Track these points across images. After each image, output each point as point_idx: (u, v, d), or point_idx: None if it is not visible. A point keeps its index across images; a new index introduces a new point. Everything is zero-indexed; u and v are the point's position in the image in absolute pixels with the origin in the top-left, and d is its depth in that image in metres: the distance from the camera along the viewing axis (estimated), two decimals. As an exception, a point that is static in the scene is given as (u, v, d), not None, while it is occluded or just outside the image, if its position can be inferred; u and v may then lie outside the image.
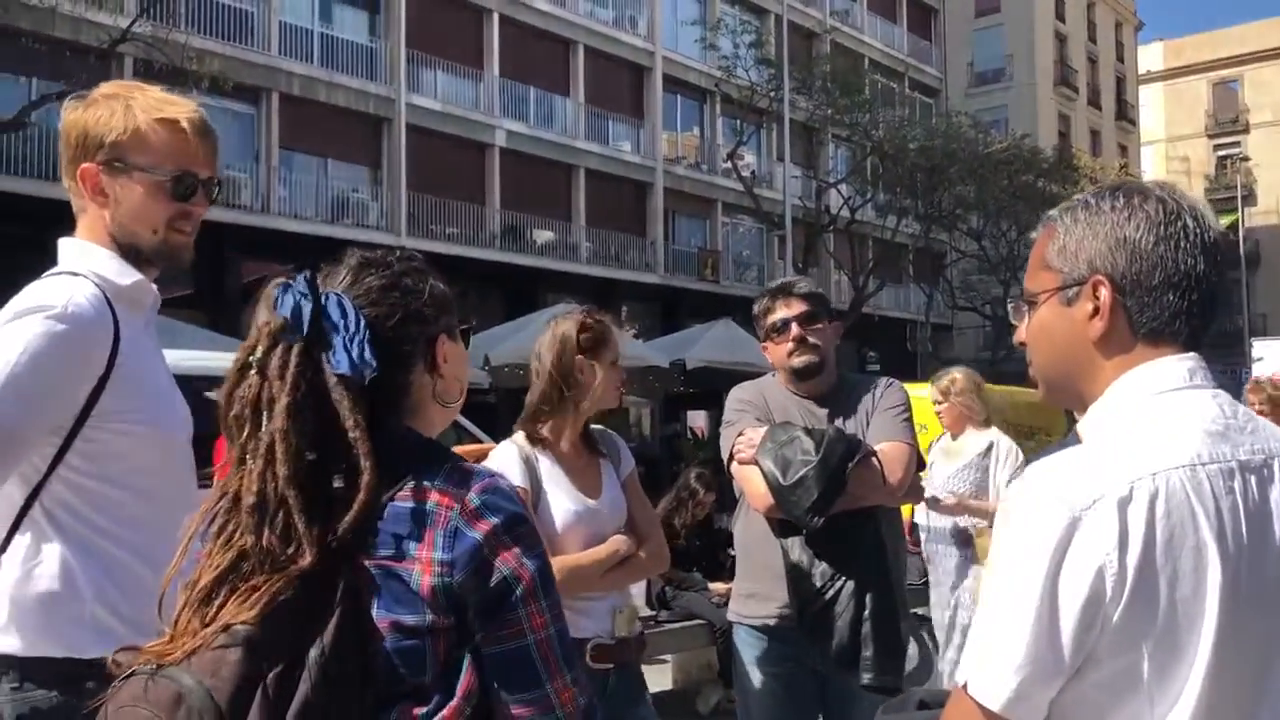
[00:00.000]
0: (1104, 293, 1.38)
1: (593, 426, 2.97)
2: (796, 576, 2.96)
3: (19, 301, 1.87)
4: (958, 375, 5.97)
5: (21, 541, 1.89)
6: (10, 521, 1.88)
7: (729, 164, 28.90)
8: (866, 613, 2.91)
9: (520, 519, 1.42)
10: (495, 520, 1.39)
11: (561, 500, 2.78)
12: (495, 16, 26.31)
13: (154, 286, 2.05)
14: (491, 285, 23.59)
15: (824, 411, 3.16)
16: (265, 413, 1.39)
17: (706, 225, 32.03)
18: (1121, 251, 1.38)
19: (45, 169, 18.14)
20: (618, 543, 2.81)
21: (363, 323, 1.43)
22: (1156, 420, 1.33)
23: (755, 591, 3.15)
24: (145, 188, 1.97)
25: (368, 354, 1.41)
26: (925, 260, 32.74)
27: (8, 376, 1.79)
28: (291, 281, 1.44)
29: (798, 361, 3.14)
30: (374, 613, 1.35)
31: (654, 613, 6.77)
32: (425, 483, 1.40)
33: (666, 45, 30.47)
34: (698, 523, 6.78)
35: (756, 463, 2.94)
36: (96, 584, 1.88)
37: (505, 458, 2.81)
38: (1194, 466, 1.28)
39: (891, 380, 3.28)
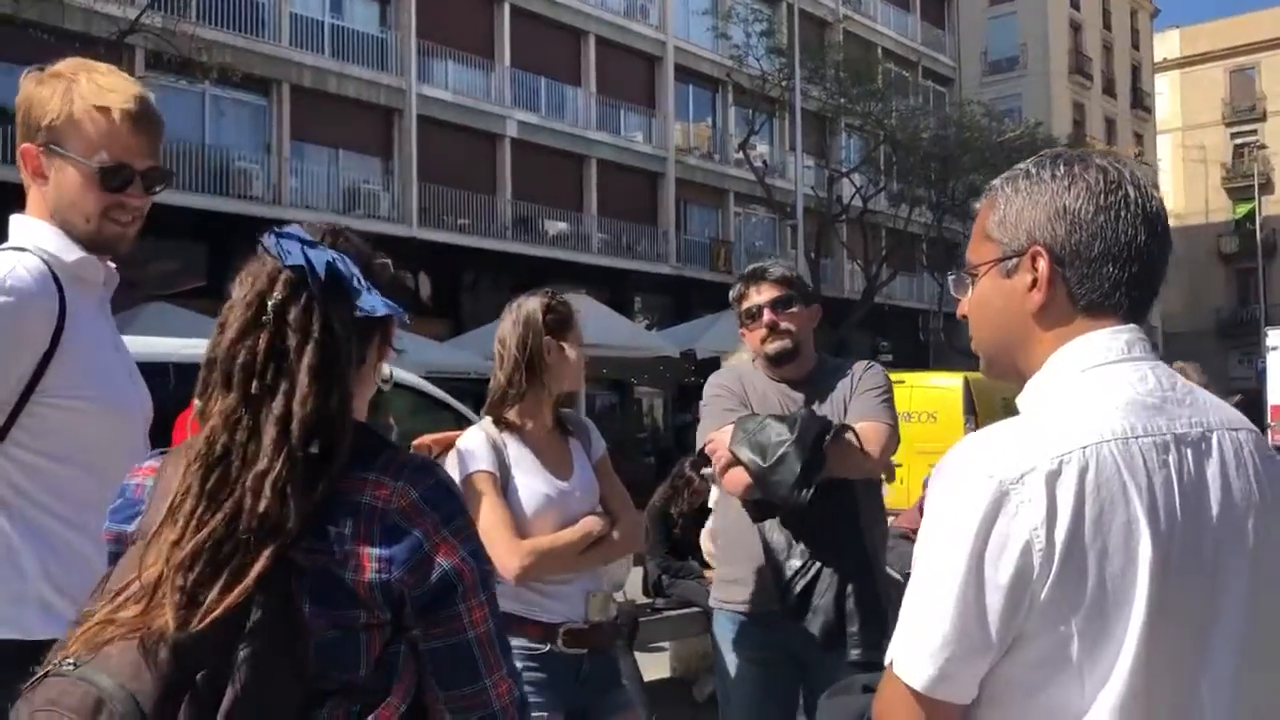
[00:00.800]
0: (1042, 264, 1.35)
1: (563, 410, 2.95)
2: (775, 559, 2.95)
3: None
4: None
5: None
6: None
7: (741, 154, 28.79)
8: (850, 589, 2.90)
9: (459, 510, 1.39)
10: (435, 516, 1.35)
11: (531, 483, 2.76)
12: (506, 6, 26.26)
13: (108, 266, 2.02)
14: (503, 276, 23.57)
15: (800, 395, 3.14)
16: (275, 366, 1.33)
17: (719, 215, 31.94)
18: (1061, 221, 1.35)
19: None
20: (590, 524, 2.79)
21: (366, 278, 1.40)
22: (1091, 393, 1.30)
23: (735, 577, 3.14)
24: (78, 175, 1.93)
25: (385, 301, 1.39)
26: (938, 250, 32.55)
27: None
28: (285, 231, 1.39)
29: (771, 348, 3.13)
30: (305, 608, 1.30)
31: (650, 600, 6.76)
32: (363, 472, 1.35)
33: (678, 34, 30.36)
34: (694, 510, 6.77)
35: (733, 454, 2.92)
36: (42, 562, 1.85)
37: (473, 442, 2.79)
38: (1126, 440, 1.25)
39: (871, 363, 3.26)
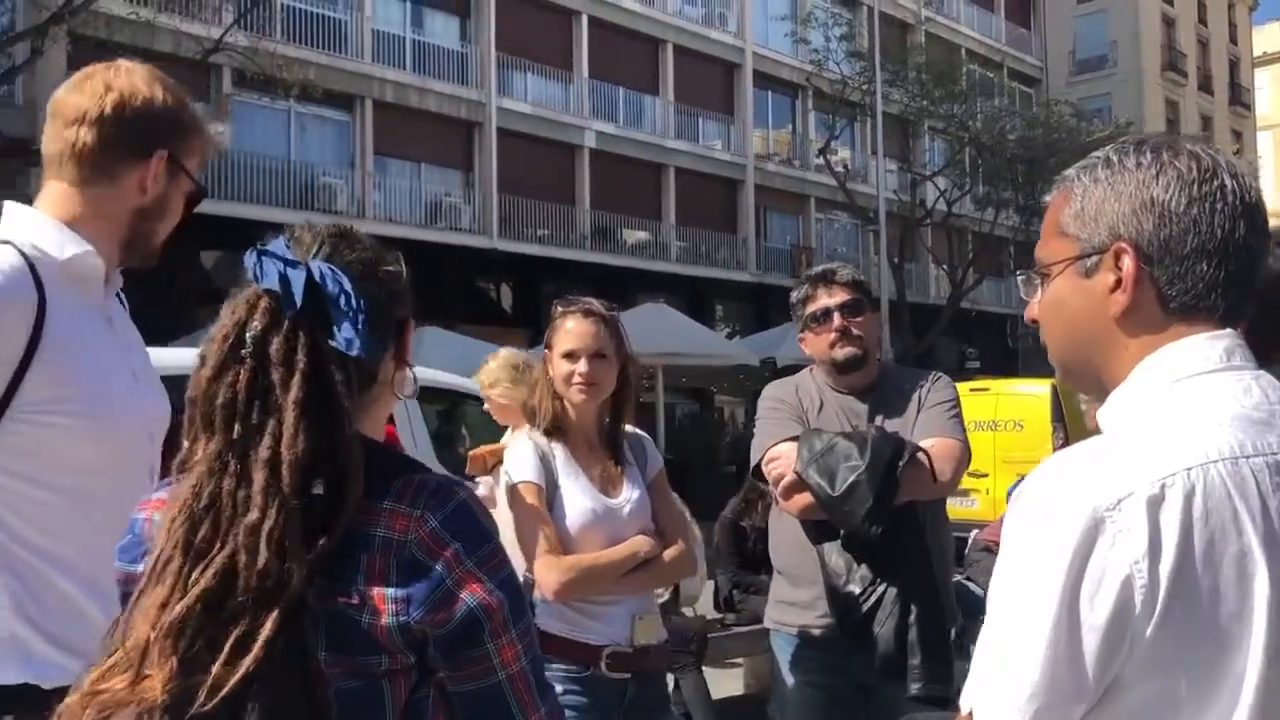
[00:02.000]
0: (1127, 262, 1.20)
1: (628, 429, 2.86)
2: (834, 583, 2.80)
3: None
4: None
5: None
6: None
7: (821, 159, 28.49)
8: (912, 618, 2.73)
9: (485, 537, 1.26)
10: (457, 546, 1.23)
11: (578, 497, 2.67)
12: (584, 18, 26.36)
13: (103, 264, 1.83)
14: (582, 286, 23.58)
15: (864, 407, 2.99)
16: (259, 404, 1.20)
17: (799, 222, 31.64)
18: (1148, 214, 1.20)
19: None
20: (638, 543, 2.68)
21: (359, 298, 1.25)
22: (1189, 407, 1.14)
23: (792, 598, 3.00)
24: (181, 194, 1.89)
25: (369, 331, 1.24)
26: (1026, 253, 31.78)
27: None
28: (266, 247, 1.25)
29: (840, 354, 2.97)
30: (320, 655, 1.19)
31: (721, 616, 6.62)
32: (378, 500, 1.22)
33: (757, 41, 30.19)
34: (767, 524, 6.59)
35: (798, 476, 2.77)
36: (15, 598, 1.66)
37: (519, 452, 2.71)
38: (1236, 460, 1.09)
39: (939, 374, 3.09)
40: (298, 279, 1.23)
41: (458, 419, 8.66)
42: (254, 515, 1.17)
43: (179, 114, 1.85)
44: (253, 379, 1.21)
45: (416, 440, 6.99)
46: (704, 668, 5.89)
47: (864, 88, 27.67)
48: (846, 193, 28.15)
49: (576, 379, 2.69)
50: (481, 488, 4.34)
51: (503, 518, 2.80)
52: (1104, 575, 1.05)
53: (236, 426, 1.20)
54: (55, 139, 1.80)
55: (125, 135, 1.79)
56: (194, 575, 1.18)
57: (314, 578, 1.18)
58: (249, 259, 1.25)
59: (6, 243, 1.72)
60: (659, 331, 18.80)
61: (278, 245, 1.27)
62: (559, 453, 2.72)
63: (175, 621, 1.16)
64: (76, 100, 1.79)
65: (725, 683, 6.69)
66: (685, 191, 28.03)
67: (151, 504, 1.35)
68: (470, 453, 3.39)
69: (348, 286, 1.25)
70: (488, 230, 23.99)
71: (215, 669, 1.14)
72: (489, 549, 1.27)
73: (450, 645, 1.23)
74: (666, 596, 6.24)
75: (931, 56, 29.82)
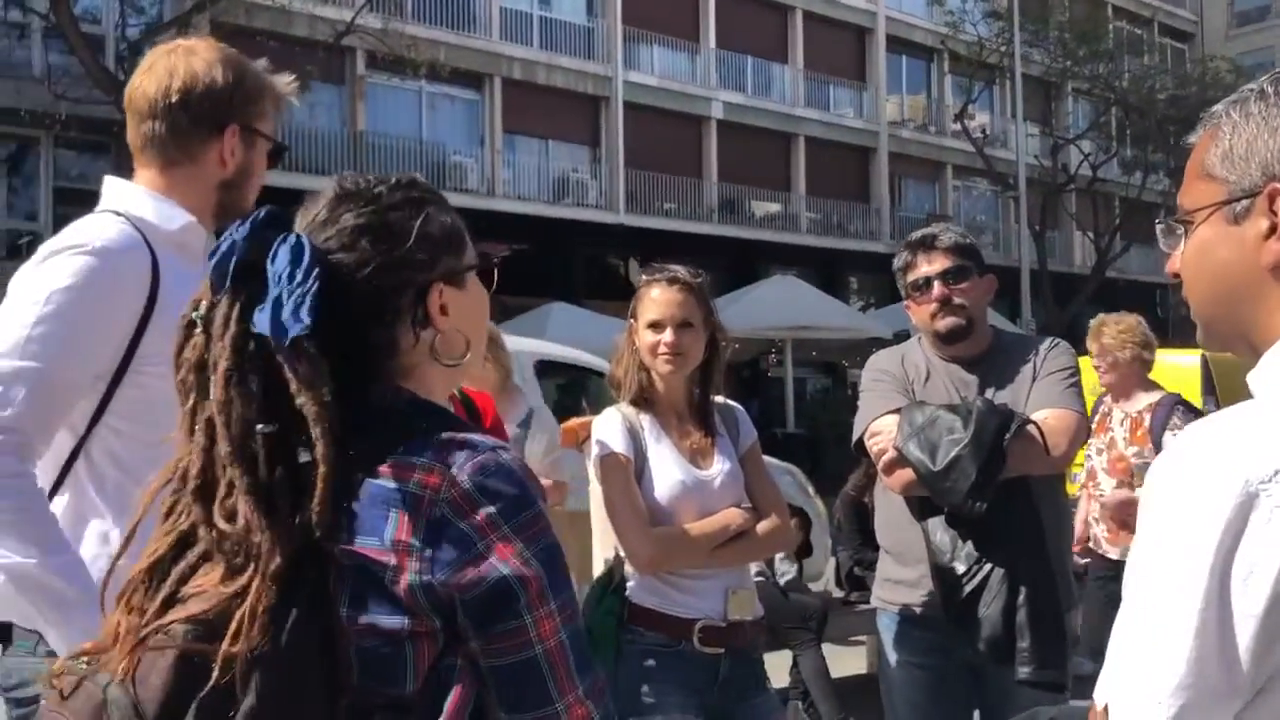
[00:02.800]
0: None
1: (717, 399, 2.75)
2: (938, 560, 2.65)
3: (50, 243, 1.83)
4: None
5: (61, 502, 1.81)
6: (54, 478, 1.81)
7: (958, 124, 27.66)
8: (1021, 598, 2.57)
9: (524, 503, 1.21)
10: (491, 508, 1.18)
11: (668, 469, 2.60)
12: (712, -13, 26.11)
13: (204, 231, 1.99)
14: (711, 259, 23.49)
15: (974, 378, 2.82)
16: (211, 377, 1.22)
17: (935, 189, 30.84)
18: None
19: (286, 161, 19.25)
20: (730, 516, 2.60)
21: (315, 272, 1.20)
22: None
23: (896, 576, 2.87)
24: (262, 153, 2.02)
25: (304, 310, 1.18)
26: (1178, 218, 30.30)
27: (38, 318, 1.73)
28: (254, 217, 1.25)
29: (942, 325, 2.81)
30: (343, 611, 1.17)
31: (845, 593, 6.46)
32: (410, 457, 1.20)
33: (889, 4, 29.42)
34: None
35: (898, 452, 2.63)
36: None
37: (608, 424, 2.64)
38: None
39: (1056, 340, 2.90)
40: (232, 256, 1.23)
41: (579, 393, 8.67)
42: (191, 485, 1.21)
43: (242, 85, 1.95)
44: (201, 356, 1.23)
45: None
46: (827, 645, 5.75)
47: (1002, 49, 26.76)
48: (985, 159, 27.30)
49: (662, 349, 2.62)
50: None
51: (592, 491, 2.73)
52: (1260, 556, 0.94)
53: (191, 399, 1.23)
54: (134, 131, 1.96)
55: (195, 119, 1.93)
56: (156, 543, 1.24)
57: (341, 526, 1.17)
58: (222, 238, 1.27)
59: (114, 212, 1.87)
60: (788, 305, 18.59)
61: (249, 221, 1.25)
62: (647, 424, 2.65)
63: (137, 582, 1.21)
64: (145, 91, 1.93)
65: (848, 660, 6.53)
66: (815, 161, 27.57)
67: None
68: (562, 425, 3.34)
69: (304, 260, 1.21)
70: (614, 205, 24.05)
71: (174, 606, 1.18)
72: (528, 515, 1.21)
73: (482, 615, 1.18)
74: (793, 573, 6.11)
75: (1075, 14, 28.59)
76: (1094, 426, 4.83)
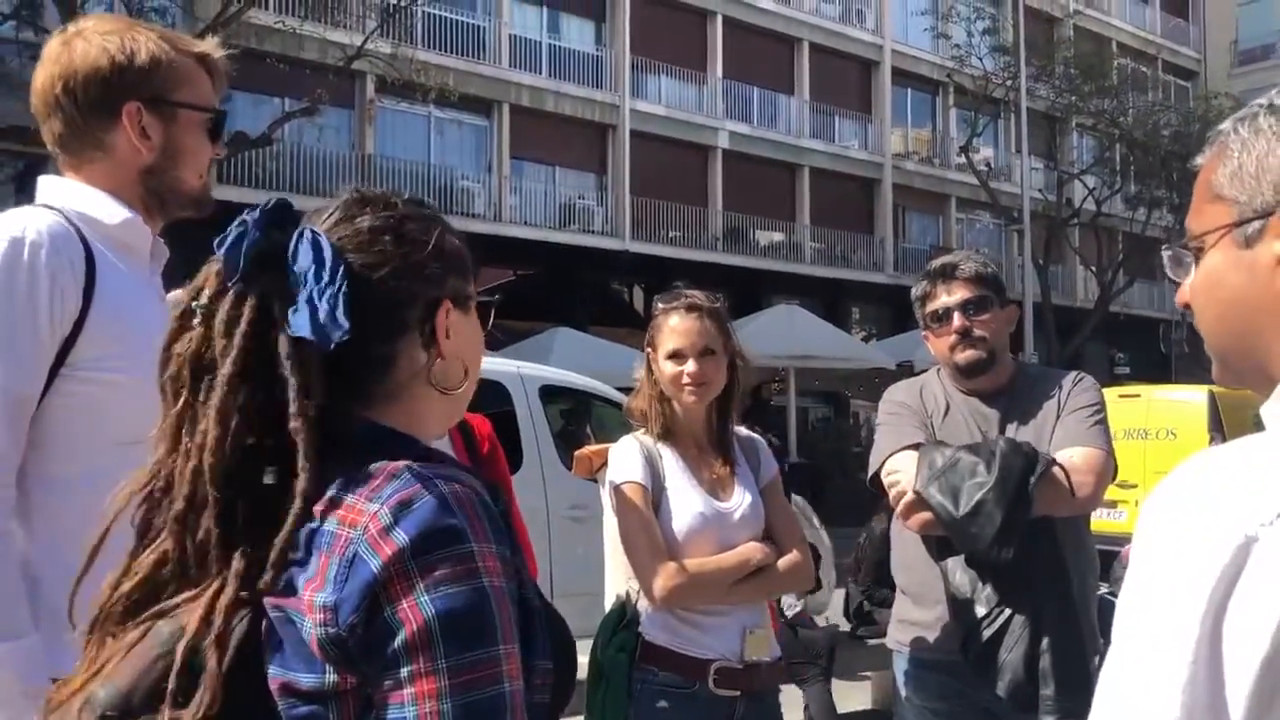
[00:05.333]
0: None
1: (739, 430, 2.70)
2: (957, 602, 2.57)
3: None
4: None
5: None
6: None
7: (963, 157, 27.71)
8: (1044, 644, 2.48)
9: (450, 538, 1.03)
10: (403, 540, 1.02)
11: (687, 500, 2.52)
12: (719, 18, 26.22)
13: (155, 237, 1.83)
14: (714, 287, 23.44)
15: (995, 413, 2.73)
16: (208, 378, 1.10)
17: (939, 222, 30.85)
18: None
19: (293, 183, 19.35)
20: (750, 551, 2.52)
21: (341, 270, 1.11)
22: None
23: (912, 618, 2.78)
24: (193, 127, 1.81)
25: (340, 312, 1.08)
26: (1182, 253, 30.28)
27: None
28: (258, 208, 1.15)
29: (962, 358, 2.72)
30: (269, 669, 1.05)
31: (852, 626, 6.42)
32: (343, 492, 1.07)
33: (896, 37, 29.55)
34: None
35: (918, 496, 2.54)
36: (64, 579, 1.65)
37: (625, 452, 2.57)
38: None
39: (1081, 375, 2.80)
40: (248, 244, 1.11)
41: (584, 419, 8.63)
42: (179, 505, 1.08)
43: (135, 58, 1.76)
44: (198, 351, 1.12)
45: (539, 439, 6.98)
46: (833, 680, 5.70)
47: (1008, 83, 26.84)
48: (989, 192, 27.32)
49: (686, 380, 2.54)
50: None
51: (606, 521, 2.69)
52: (1256, 607, 0.84)
53: (181, 401, 1.12)
54: (45, 135, 1.81)
55: (87, 106, 1.75)
56: (139, 559, 1.12)
57: (267, 577, 1.05)
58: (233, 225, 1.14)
59: (50, 208, 1.71)
60: (791, 333, 18.59)
61: (260, 210, 1.14)
62: (666, 453, 2.58)
63: (116, 607, 1.10)
64: (35, 90, 1.78)
65: (854, 696, 6.48)
66: (820, 192, 27.60)
67: None
68: (575, 453, 3.29)
69: (327, 256, 1.11)
70: (620, 232, 24.06)
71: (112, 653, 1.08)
72: (447, 552, 1.02)
73: (366, 658, 1.02)
74: (800, 607, 6.06)
75: (1080, 50, 28.74)
76: None
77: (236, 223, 1.13)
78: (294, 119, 17.25)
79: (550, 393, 7.77)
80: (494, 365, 6.74)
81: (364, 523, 1.04)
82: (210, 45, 1.86)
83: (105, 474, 1.57)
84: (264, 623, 1.06)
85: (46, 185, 1.79)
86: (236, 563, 1.05)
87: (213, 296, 1.12)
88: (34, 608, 1.60)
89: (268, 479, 1.07)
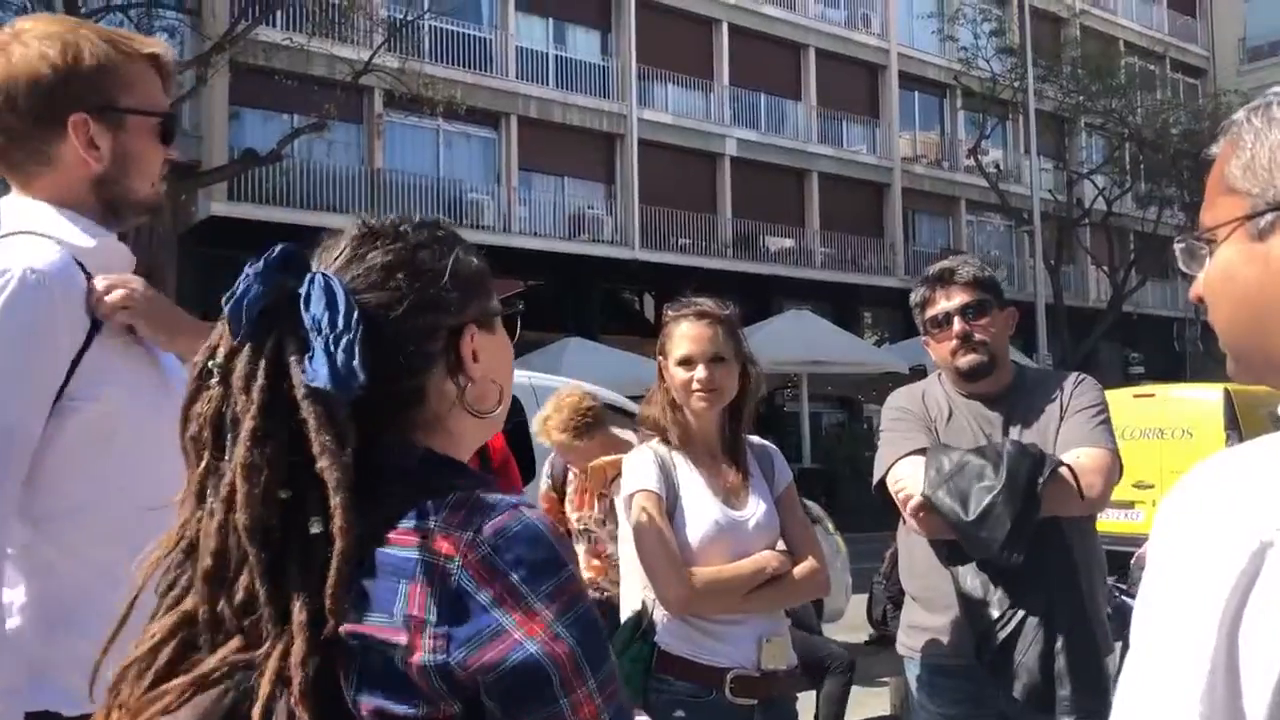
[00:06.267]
0: None
1: (752, 438, 2.70)
2: (970, 606, 2.57)
3: None
4: None
5: None
6: None
7: (971, 160, 27.67)
8: (1059, 644, 2.48)
9: (551, 567, 1.06)
10: (514, 575, 1.03)
11: (701, 508, 2.51)
12: (724, 26, 26.27)
13: (125, 248, 1.75)
14: (725, 294, 23.35)
15: (998, 415, 2.73)
16: (229, 435, 1.09)
17: (949, 224, 30.81)
18: None
19: (303, 198, 19.42)
20: (765, 559, 2.51)
21: (356, 316, 1.09)
22: None
23: (924, 623, 2.77)
24: (143, 133, 1.71)
25: (357, 360, 1.07)
26: (1194, 253, 30.16)
27: None
28: (268, 255, 1.12)
29: (963, 362, 2.73)
30: (351, 697, 1.04)
31: (874, 633, 6.38)
32: (422, 521, 1.06)
33: (902, 41, 29.55)
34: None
35: (927, 500, 2.53)
36: (46, 616, 1.55)
37: (639, 461, 2.57)
38: None
39: (1083, 375, 2.80)
40: (253, 299, 1.09)
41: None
42: (206, 562, 1.06)
43: (79, 65, 1.64)
44: (218, 410, 1.10)
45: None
46: (852, 687, 5.67)
47: (1015, 85, 26.82)
48: (999, 193, 27.28)
49: (696, 386, 2.54)
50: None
51: (622, 531, 2.68)
52: (1272, 611, 0.82)
53: (205, 460, 1.10)
54: None
55: (32, 119, 1.64)
56: (156, 623, 1.10)
57: (331, 621, 1.03)
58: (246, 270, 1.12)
59: (31, 233, 1.62)
60: (803, 339, 18.58)
61: (265, 259, 1.12)
62: (680, 461, 2.58)
63: (129, 671, 1.07)
64: None
65: (874, 701, 6.45)
66: (829, 197, 27.60)
67: None
68: (590, 464, 3.29)
69: (340, 302, 1.09)
70: (629, 241, 24.09)
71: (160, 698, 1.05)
72: (558, 581, 1.05)
73: (509, 699, 1.03)
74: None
75: (1087, 50, 28.68)
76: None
77: (241, 277, 1.12)
78: (303, 135, 17.34)
79: (563, 403, 7.75)
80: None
81: (460, 552, 1.04)
82: (159, 44, 1.76)
83: (87, 507, 1.57)
84: (340, 655, 1.04)
85: (12, 207, 1.69)
86: (299, 615, 1.02)
87: (228, 354, 1.11)
88: (15, 643, 1.56)
89: (314, 529, 1.05)
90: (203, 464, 1.10)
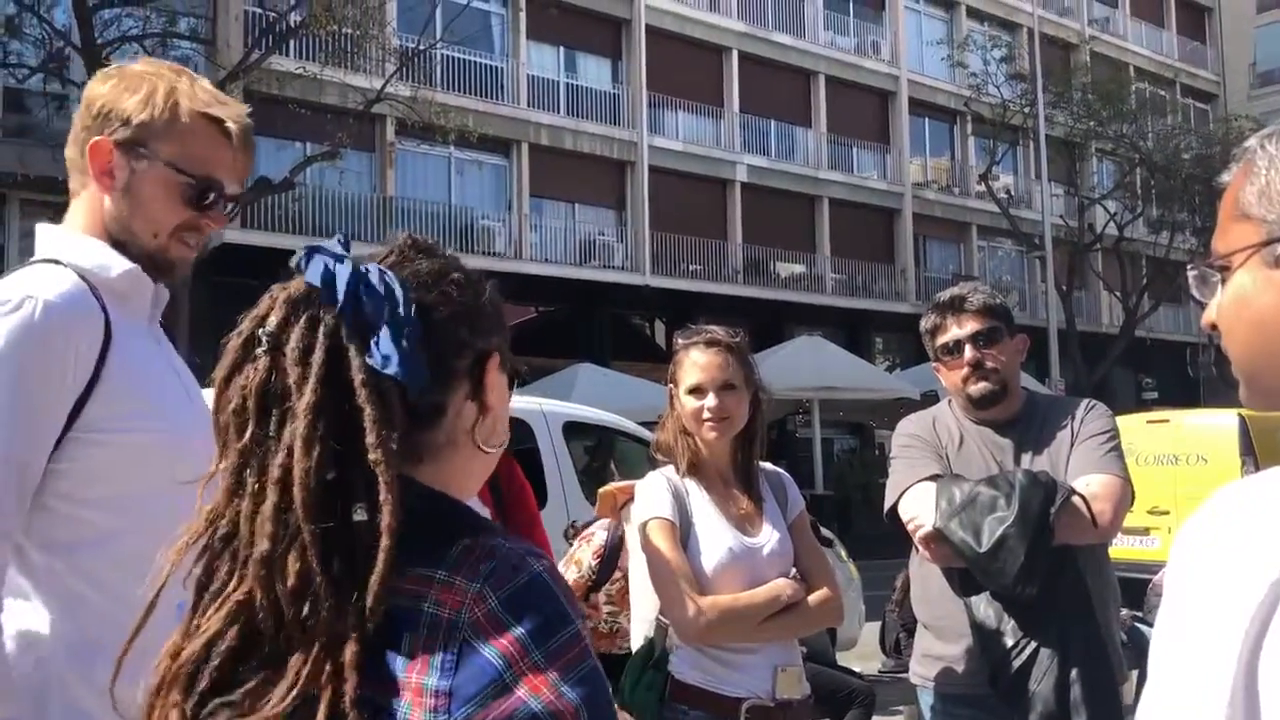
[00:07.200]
0: None
1: (765, 465, 2.69)
2: (984, 635, 2.55)
3: None
4: None
5: None
6: None
7: (982, 185, 27.69)
8: (1074, 674, 2.46)
9: (560, 622, 1.01)
10: (521, 630, 0.99)
11: (715, 536, 2.50)
12: (734, 54, 26.40)
13: (152, 281, 1.75)
14: (735, 320, 23.45)
15: (1009, 442, 2.73)
16: (275, 410, 1.03)
17: (960, 250, 30.80)
18: None
19: (315, 226, 19.51)
20: (780, 586, 2.49)
21: (414, 309, 1.07)
22: None
23: (937, 652, 2.75)
24: (163, 183, 1.69)
25: (419, 353, 1.05)
26: (1206, 277, 30.08)
27: None
28: (321, 245, 1.09)
29: (975, 390, 2.73)
30: None
31: (888, 660, 6.35)
32: (426, 570, 1.01)
33: (912, 67, 29.66)
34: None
35: (938, 532, 2.52)
36: (71, 646, 1.53)
37: (652, 487, 2.56)
38: None
39: (1094, 402, 2.80)
40: (343, 274, 1.05)
41: (607, 454, 8.63)
42: (264, 545, 0.99)
43: (123, 101, 1.69)
44: (265, 381, 1.04)
45: (563, 475, 6.97)
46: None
47: (1025, 110, 26.89)
48: (1010, 219, 27.28)
49: (706, 415, 2.53)
50: (599, 533, 4.17)
51: (634, 559, 2.67)
52: None
53: (248, 435, 1.03)
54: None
55: (82, 135, 1.71)
56: (205, 618, 1.02)
57: (361, 628, 0.98)
58: (297, 256, 1.09)
59: (55, 262, 1.64)
60: (814, 365, 18.55)
61: (333, 243, 1.10)
62: (693, 489, 2.57)
63: (182, 671, 0.99)
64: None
65: (886, 731, 6.40)
66: (840, 223, 27.64)
67: None
68: (599, 490, 3.28)
69: (399, 294, 1.06)
70: (640, 267, 24.13)
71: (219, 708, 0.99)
72: (565, 638, 1.00)
73: None
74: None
75: (1097, 76, 28.77)
76: None
77: (305, 252, 1.08)
78: (315, 163, 17.46)
79: (573, 429, 7.78)
80: (517, 402, 6.72)
81: (465, 604, 1.00)
82: (232, 112, 1.75)
83: (112, 538, 1.57)
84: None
85: (47, 235, 1.73)
86: (354, 608, 0.98)
87: (280, 324, 1.05)
88: (39, 674, 1.56)
89: (358, 515, 1.00)
90: (244, 439, 1.04)
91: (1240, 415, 11.62)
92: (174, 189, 1.70)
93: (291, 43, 18.19)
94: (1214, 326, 1.09)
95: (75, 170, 1.73)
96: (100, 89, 1.71)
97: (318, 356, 1.02)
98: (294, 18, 17.54)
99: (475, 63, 22.48)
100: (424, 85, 19.23)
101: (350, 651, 0.97)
